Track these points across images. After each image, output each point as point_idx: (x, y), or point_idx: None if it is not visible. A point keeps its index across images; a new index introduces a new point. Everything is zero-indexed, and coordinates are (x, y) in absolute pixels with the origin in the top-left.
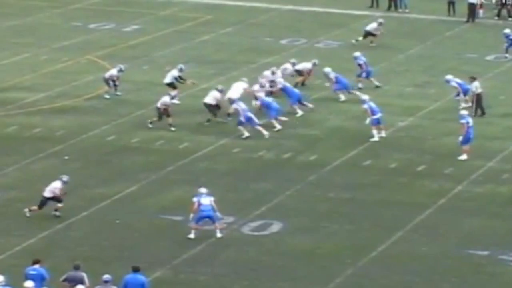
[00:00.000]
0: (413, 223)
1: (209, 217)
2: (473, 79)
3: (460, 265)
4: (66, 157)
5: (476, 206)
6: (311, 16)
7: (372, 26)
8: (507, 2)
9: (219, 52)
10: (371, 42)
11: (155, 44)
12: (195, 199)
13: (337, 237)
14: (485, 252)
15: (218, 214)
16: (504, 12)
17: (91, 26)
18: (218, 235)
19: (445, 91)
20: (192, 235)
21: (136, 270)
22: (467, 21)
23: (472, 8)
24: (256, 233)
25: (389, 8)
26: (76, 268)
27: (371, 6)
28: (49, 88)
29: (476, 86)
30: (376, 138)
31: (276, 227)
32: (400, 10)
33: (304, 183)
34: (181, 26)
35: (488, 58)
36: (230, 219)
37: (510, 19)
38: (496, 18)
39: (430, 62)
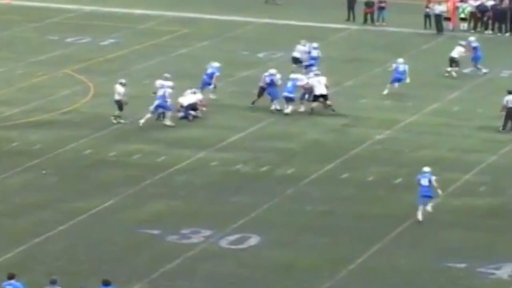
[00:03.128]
0: (391, 235)
1: None
2: (509, 93)
3: (438, 277)
4: (43, 171)
5: (453, 219)
6: (288, 29)
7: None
8: (485, 15)
9: (196, 66)
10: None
11: (132, 58)
12: None
13: (315, 250)
14: (463, 265)
15: None
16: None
17: (68, 40)
18: None
19: (422, 104)
20: None
21: (106, 283)
22: (438, 33)
23: (438, 20)
24: (234, 247)
25: (365, 21)
26: (53, 282)
27: (348, 20)
28: (25, 102)
29: (508, 100)
30: None
31: (254, 240)
32: (377, 23)
33: (281, 197)
34: (158, 40)
35: (465, 71)
36: (208, 232)
37: (486, 32)
38: (472, 31)
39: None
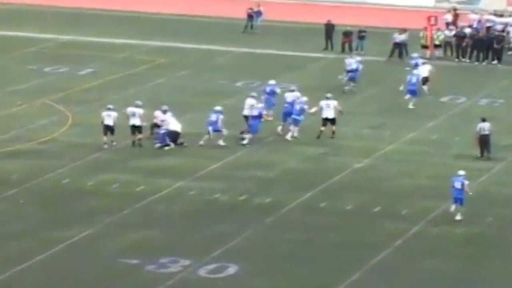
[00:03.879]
0: (370, 264)
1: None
2: (483, 120)
3: None
4: (21, 201)
5: (432, 247)
6: (266, 59)
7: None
8: (463, 41)
9: (174, 95)
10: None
11: (110, 88)
12: None
13: (294, 279)
14: None
15: None
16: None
17: (46, 69)
18: None
19: (400, 132)
20: None
21: None
22: (390, 57)
23: (397, 47)
24: (212, 276)
25: (342, 50)
26: None
27: (326, 49)
28: (3, 132)
29: (481, 127)
30: None
31: (232, 269)
32: (355, 52)
33: (260, 226)
34: (136, 69)
35: (443, 99)
36: (187, 262)
37: (458, 59)
38: (456, 60)
39: (385, 103)
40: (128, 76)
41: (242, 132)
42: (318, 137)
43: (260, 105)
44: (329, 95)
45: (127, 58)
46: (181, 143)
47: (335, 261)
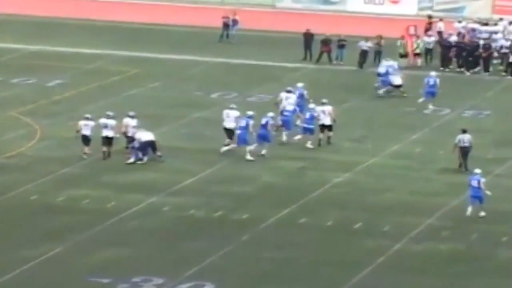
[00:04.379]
0: (351, 283)
1: None
2: (463, 131)
3: None
4: None
5: (415, 265)
6: (242, 69)
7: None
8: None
9: (147, 107)
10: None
11: (80, 99)
12: None
13: None
14: None
15: None
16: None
17: (13, 81)
18: None
19: (382, 146)
20: None
21: None
22: (360, 67)
23: (364, 55)
24: None
25: (318, 60)
26: None
27: (304, 59)
28: None
29: (460, 139)
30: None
31: None
32: (334, 62)
33: (236, 243)
34: (107, 81)
35: (426, 111)
36: (160, 280)
37: (442, 68)
38: (441, 69)
39: (366, 115)
40: (99, 87)
41: (226, 145)
42: (319, 144)
43: (250, 112)
44: (324, 100)
45: (98, 68)
46: (160, 156)
47: (315, 280)
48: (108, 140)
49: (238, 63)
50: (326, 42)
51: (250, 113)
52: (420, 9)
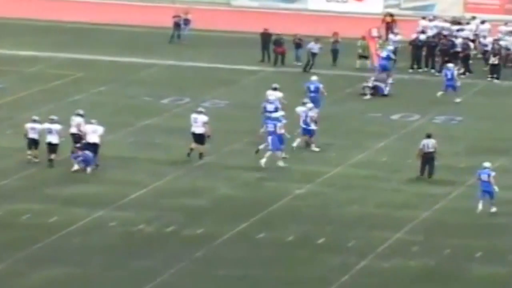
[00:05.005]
0: None
1: None
2: (428, 136)
3: None
4: None
5: (383, 283)
6: (195, 73)
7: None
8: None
9: (92, 114)
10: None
11: (20, 106)
12: None
13: None
14: None
15: None
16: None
17: None
18: None
19: (346, 154)
20: None
21: None
22: (304, 71)
23: (312, 58)
24: None
25: (275, 63)
26: None
27: (262, 61)
28: None
29: (425, 144)
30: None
31: None
32: (294, 62)
33: (190, 260)
34: (49, 85)
35: (393, 117)
36: None
37: (412, 70)
38: (410, 71)
39: (329, 122)
40: (40, 92)
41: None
42: (306, 147)
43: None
44: (306, 100)
45: (39, 72)
46: (96, 165)
47: None
48: (51, 147)
49: (190, 66)
50: (279, 42)
51: (280, 114)
52: (386, 7)
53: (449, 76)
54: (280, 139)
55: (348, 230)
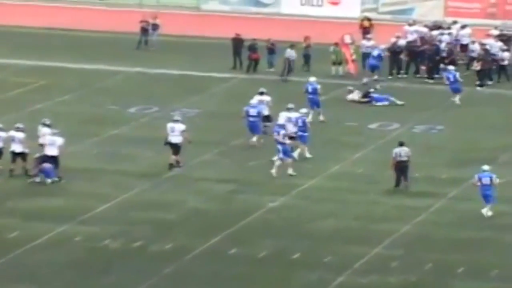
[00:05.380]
0: None
1: None
2: (400, 144)
3: None
4: None
5: None
6: (164, 80)
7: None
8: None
9: (55, 124)
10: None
11: None
12: None
13: None
14: None
15: None
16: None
17: None
18: None
19: (321, 166)
20: None
21: None
22: (282, 77)
23: (289, 64)
24: None
25: (248, 69)
26: None
27: (234, 68)
28: None
29: (397, 153)
30: None
31: None
32: (267, 69)
33: (158, 277)
34: (8, 94)
35: (371, 126)
36: None
37: (391, 76)
38: (389, 77)
39: None
40: (0, 101)
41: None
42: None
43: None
44: (290, 105)
45: None
46: (59, 177)
47: None
48: (17, 156)
49: (159, 73)
50: (254, 48)
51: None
52: (363, 11)
53: (451, 79)
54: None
55: (324, 245)
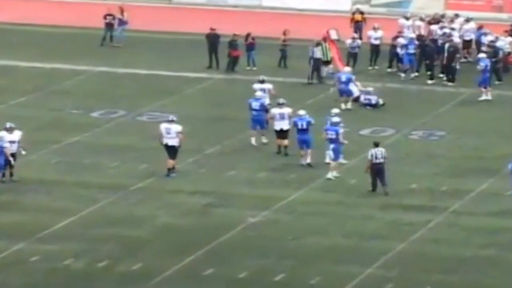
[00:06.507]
0: None
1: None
2: (375, 145)
3: None
4: None
5: None
6: (131, 81)
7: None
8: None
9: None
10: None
11: None
12: None
13: None
14: None
15: None
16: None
17: None
18: None
19: (308, 176)
20: None
21: None
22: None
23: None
24: None
25: (228, 68)
26: None
27: (210, 67)
28: None
29: (373, 154)
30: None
31: None
32: (247, 68)
33: None
34: None
35: (363, 132)
36: None
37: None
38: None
39: (288, 139)
40: None
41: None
42: (279, 152)
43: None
44: (281, 100)
45: None
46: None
47: None
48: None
49: (125, 73)
50: (234, 45)
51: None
52: (355, 3)
53: (488, 68)
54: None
55: (311, 265)
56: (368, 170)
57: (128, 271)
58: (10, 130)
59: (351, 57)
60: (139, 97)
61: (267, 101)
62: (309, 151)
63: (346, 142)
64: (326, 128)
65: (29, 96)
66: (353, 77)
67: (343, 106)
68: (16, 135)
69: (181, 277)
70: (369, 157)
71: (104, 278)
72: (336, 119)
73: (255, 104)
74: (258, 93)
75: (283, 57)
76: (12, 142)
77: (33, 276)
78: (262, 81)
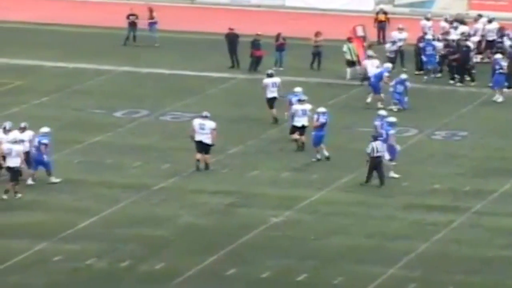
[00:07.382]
0: None
1: None
2: (374, 139)
3: None
4: None
5: None
6: (154, 81)
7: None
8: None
9: (32, 129)
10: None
11: None
12: None
13: None
14: None
15: None
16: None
17: None
18: None
19: (331, 176)
20: None
21: None
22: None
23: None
24: None
25: (251, 68)
26: None
27: (232, 67)
28: None
29: (373, 148)
30: None
31: None
32: (274, 68)
33: None
34: None
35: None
36: None
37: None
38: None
39: (310, 139)
40: None
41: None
42: (300, 148)
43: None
44: (303, 97)
45: None
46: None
47: None
48: None
49: (149, 73)
50: (257, 44)
51: (390, 118)
52: (378, 3)
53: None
54: (392, 148)
55: (333, 265)
56: (367, 163)
57: (150, 271)
58: (22, 129)
59: (390, 61)
60: (162, 97)
61: (274, 94)
62: (323, 145)
63: (398, 147)
64: (385, 128)
65: (52, 96)
66: (386, 74)
67: (379, 104)
68: (27, 135)
69: (203, 277)
70: (369, 150)
71: (126, 278)
72: (392, 119)
73: (295, 100)
74: (298, 88)
75: (318, 59)
76: (21, 141)
77: (55, 275)
78: (270, 75)
